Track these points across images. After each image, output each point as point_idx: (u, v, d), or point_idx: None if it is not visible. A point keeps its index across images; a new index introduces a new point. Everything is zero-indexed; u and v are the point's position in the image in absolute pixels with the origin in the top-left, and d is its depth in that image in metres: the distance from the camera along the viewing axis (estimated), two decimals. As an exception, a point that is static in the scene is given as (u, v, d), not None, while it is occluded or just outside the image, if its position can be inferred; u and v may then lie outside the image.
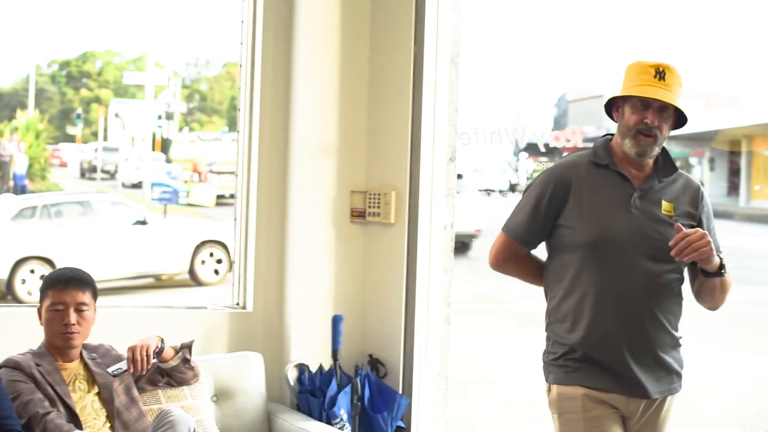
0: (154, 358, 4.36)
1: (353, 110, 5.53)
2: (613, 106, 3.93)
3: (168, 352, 4.49)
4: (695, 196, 3.93)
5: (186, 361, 4.56)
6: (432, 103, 5.49)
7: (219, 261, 14.66)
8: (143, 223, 14.60)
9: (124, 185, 22.73)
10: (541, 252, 4.03)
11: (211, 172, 21.99)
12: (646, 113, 3.79)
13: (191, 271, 14.50)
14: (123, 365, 4.31)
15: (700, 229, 3.71)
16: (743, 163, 19.88)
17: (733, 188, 20.15)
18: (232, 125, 25.56)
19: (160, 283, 14.44)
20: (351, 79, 5.51)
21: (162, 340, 4.45)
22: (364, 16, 5.53)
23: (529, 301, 11.50)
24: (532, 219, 3.93)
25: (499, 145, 6.38)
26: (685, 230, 3.65)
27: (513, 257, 4.02)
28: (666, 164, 3.93)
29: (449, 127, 5.65)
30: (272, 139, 5.47)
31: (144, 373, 4.37)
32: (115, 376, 4.35)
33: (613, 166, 3.88)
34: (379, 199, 5.49)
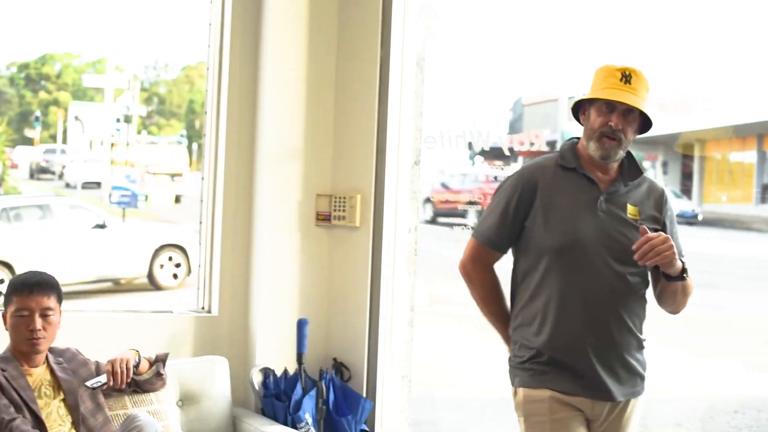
0: (133, 371, 4.35)
1: (319, 114, 5.53)
2: (579, 110, 3.95)
3: (143, 366, 4.48)
4: (659, 200, 3.96)
5: (159, 373, 4.55)
6: (398, 107, 5.50)
7: (178, 265, 14.56)
8: (102, 226, 14.49)
9: (84, 187, 22.57)
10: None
11: (147, 173, 21.89)
12: (611, 116, 3.81)
13: (150, 275, 14.42)
14: (102, 378, 4.29)
15: (663, 233, 3.75)
16: (696, 166, 20.05)
17: (686, 192, 20.31)
18: (191, 128, 25.45)
19: (118, 287, 14.32)
20: (317, 83, 5.51)
21: (138, 354, 4.43)
22: (331, 20, 5.53)
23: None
24: (501, 222, 3.93)
25: (457, 148, 6.38)
26: (649, 234, 3.68)
27: (482, 265, 4.01)
28: (631, 168, 3.96)
29: (414, 130, 5.66)
30: (238, 143, 5.46)
31: (123, 386, 4.35)
32: (94, 389, 4.33)
33: (580, 169, 3.90)
34: (344, 202, 5.49)
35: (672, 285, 3.85)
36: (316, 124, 5.52)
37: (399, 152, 5.53)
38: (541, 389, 3.84)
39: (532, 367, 3.87)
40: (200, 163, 5.66)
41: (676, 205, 16.90)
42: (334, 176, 5.57)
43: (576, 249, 3.80)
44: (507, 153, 6.85)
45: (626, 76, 3.83)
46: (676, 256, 3.73)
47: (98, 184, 21.23)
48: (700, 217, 17.53)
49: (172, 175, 21.57)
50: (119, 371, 4.28)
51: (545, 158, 4.02)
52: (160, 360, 4.57)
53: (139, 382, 4.51)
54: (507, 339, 4.00)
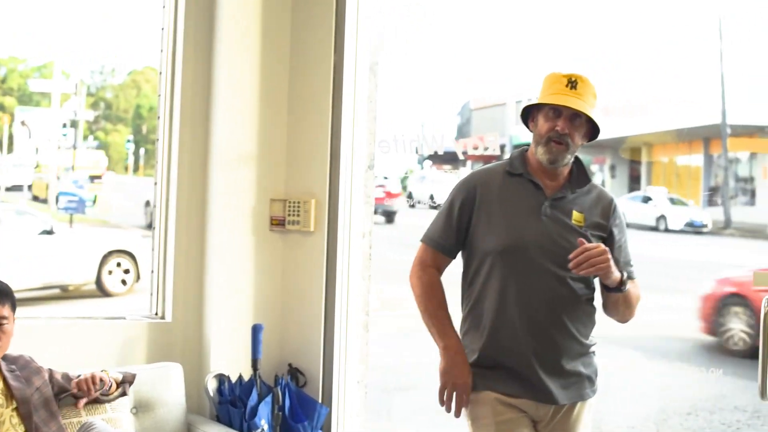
0: (98, 390, 4.34)
1: (273, 118, 5.51)
2: (528, 116, 4.00)
3: (112, 389, 4.47)
4: (607, 208, 3.99)
5: (124, 393, 4.53)
6: (351, 112, 5.50)
7: (126, 271, 14.45)
8: (50, 232, 14.35)
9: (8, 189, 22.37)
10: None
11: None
12: (558, 121, 3.87)
13: (98, 282, 14.28)
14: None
15: (602, 244, 3.77)
16: (643, 170, 20.19)
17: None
18: (138, 133, 25.28)
19: (66, 293, 14.19)
20: (271, 87, 5.49)
21: (108, 375, 4.44)
22: (285, 24, 5.52)
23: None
24: (448, 225, 3.99)
25: (404, 153, 6.40)
26: (587, 244, 3.71)
27: (432, 268, 4.03)
28: (580, 175, 4.00)
29: (368, 135, 5.66)
30: (192, 147, 5.43)
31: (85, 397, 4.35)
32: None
33: (527, 175, 3.95)
34: (298, 207, 5.48)
35: (613, 295, 3.91)
36: (270, 128, 5.51)
37: (353, 156, 5.53)
38: (486, 392, 3.90)
39: (476, 371, 3.93)
40: (150, 168, 5.61)
41: (685, 213, 16.97)
42: (288, 181, 5.55)
43: (518, 252, 3.84)
44: (461, 157, 6.87)
45: (572, 82, 3.89)
46: (612, 268, 3.76)
47: (20, 188, 21.13)
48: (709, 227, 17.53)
49: (92, 178, 21.54)
50: (87, 389, 4.28)
51: (494, 165, 4.07)
52: (127, 381, 4.55)
53: (101, 399, 4.49)
54: (442, 337, 3.96)
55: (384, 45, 5.85)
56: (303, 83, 5.53)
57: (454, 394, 3.90)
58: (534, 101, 3.94)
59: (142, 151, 23.93)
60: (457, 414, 3.92)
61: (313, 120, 5.51)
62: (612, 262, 3.75)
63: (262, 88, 5.47)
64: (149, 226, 5.55)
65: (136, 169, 23.07)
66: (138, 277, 13.86)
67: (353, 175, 5.53)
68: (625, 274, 3.85)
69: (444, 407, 3.93)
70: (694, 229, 16.92)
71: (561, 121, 3.86)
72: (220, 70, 5.38)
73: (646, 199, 16.38)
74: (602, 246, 3.74)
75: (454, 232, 3.98)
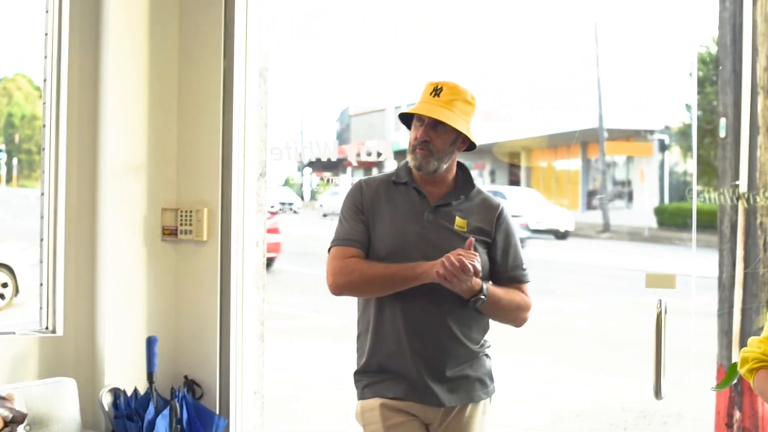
0: None
1: (163, 125, 5.41)
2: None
3: None
4: (492, 213, 4.02)
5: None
6: (242, 118, 5.44)
7: (4, 285, 14.10)
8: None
9: None
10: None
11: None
12: (419, 129, 3.91)
13: (-26, 296, 13.93)
14: None
15: (463, 260, 3.73)
16: (523, 175, 20.49)
17: (515, 198, 20.76)
18: (10, 142, 24.75)
19: (-60, 309, 13.82)
20: (160, 94, 5.40)
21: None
22: (173, 29, 5.43)
23: (322, 316, 11.54)
24: (353, 223, 3.96)
25: (287, 160, 6.35)
26: (452, 260, 3.69)
27: (357, 266, 3.96)
28: (465, 182, 4.04)
29: (259, 142, 5.61)
30: (80, 156, 5.29)
31: None
32: None
33: (411, 183, 3.99)
34: (190, 216, 5.39)
35: (483, 306, 3.89)
36: (160, 135, 5.41)
37: (245, 164, 5.47)
38: (373, 398, 3.91)
39: (365, 378, 3.96)
40: (24, 179, 5.44)
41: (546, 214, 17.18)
42: (179, 189, 5.46)
43: (400, 257, 3.85)
44: (355, 163, 6.85)
45: (437, 90, 3.95)
46: (465, 284, 3.74)
47: None
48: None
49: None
50: None
51: (382, 174, 4.11)
52: (17, 421, 4.43)
53: None
54: (408, 271, 3.85)
55: (272, 51, 5.81)
56: (193, 89, 5.45)
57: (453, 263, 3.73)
58: (403, 111, 3.99)
59: (15, 161, 23.43)
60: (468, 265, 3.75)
61: (203, 127, 5.43)
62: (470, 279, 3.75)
63: (151, 94, 5.37)
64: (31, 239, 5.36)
65: (9, 179, 22.59)
66: (17, 291, 13.52)
67: (246, 183, 5.47)
68: (485, 286, 3.85)
69: (460, 269, 3.71)
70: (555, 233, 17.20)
71: (421, 130, 3.92)
72: (107, 76, 5.26)
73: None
74: (467, 264, 3.71)
75: (358, 228, 3.95)
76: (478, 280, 3.81)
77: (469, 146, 4.02)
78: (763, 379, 3.52)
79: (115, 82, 5.26)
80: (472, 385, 3.95)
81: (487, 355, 4.03)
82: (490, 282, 3.97)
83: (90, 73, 5.30)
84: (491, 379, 4.04)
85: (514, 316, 3.99)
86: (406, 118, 4.04)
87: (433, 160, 3.91)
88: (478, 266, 3.74)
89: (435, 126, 3.91)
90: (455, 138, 3.94)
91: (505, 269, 3.99)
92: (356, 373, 4.01)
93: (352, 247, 3.94)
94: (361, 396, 3.97)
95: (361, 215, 3.96)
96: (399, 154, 6.54)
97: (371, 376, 3.93)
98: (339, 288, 3.90)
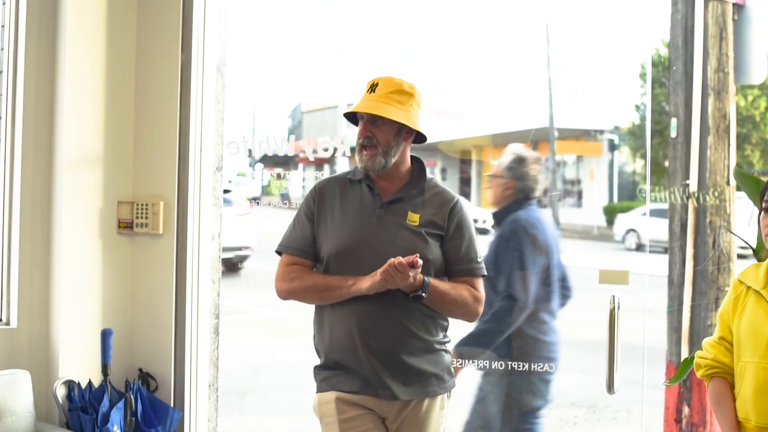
0: None
1: (119, 119, 5.40)
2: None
3: None
4: (446, 206, 4.07)
5: None
6: (199, 112, 5.44)
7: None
8: None
9: None
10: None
11: None
12: (360, 127, 3.96)
13: None
14: None
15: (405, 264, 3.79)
16: (473, 172, 20.50)
17: (464, 197, 20.72)
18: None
19: None
20: (117, 86, 5.39)
21: None
22: (131, 23, 5.42)
23: (272, 311, 11.51)
24: (301, 230, 4.06)
25: (237, 155, 6.37)
26: (396, 262, 3.76)
27: (297, 274, 4.03)
28: (419, 177, 4.07)
29: (216, 136, 5.62)
30: (36, 148, 5.26)
31: None
32: None
33: (365, 180, 4.05)
34: (146, 209, 5.39)
35: (428, 301, 3.94)
36: (116, 129, 5.40)
37: (201, 158, 5.47)
38: (329, 392, 3.98)
39: (321, 372, 4.04)
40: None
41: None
42: (135, 182, 5.46)
43: (350, 254, 3.94)
44: (312, 158, 6.87)
45: (373, 87, 4.01)
46: (404, 281, 3.82)
47: None
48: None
49: None
50: None
51: (340, 173, 4.19)
52: None
53: None
54: (349, 284, 3.94)
55: (230, 45, 5.82)
56: (150, 82, 5.45)
57: (392, 273, 3.82)
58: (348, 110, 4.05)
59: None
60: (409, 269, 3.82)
61: (160, 120, 5.44)
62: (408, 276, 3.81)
63: (108, 87, 5.36)
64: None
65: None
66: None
67: (202, 177, 5.48)
68: (427, 281, 3.90)
69: (402, 274, 3.82)
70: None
71: (361, 127, 3.99)
72: (63, 69, 5.23)
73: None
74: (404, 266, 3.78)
75: (308, 235, 4.04)
76: (420, 276, 3.85)
77: (419, 137, 4.06)
78: (714, 390, 3.59)
79: (71, 74, 5.24)
80: (428, 380, 4.00)
81: (446, 351, 4.08)
82: (445, 278, 4.03)
83: (47, 66, 5.27)
84: (450, 374, 4.09)
85: (463, 310, 4.04)
86: (353, 119, 4.08)
87: (380, 157, 3.97)
88: (415, 268, 3.79)
89: (374, 121, 3.96)
90: (398, 130, 3.99)
91: (458, 262, 4.04)
92: (316, 367, 4.08)
93: (296, 255, 4.04)
94: (319, 389, 4.04)
95: (309, 221, 4.05)
96: (354, 151, 6.59)
97: (328, 371, 3.99)
98: (282, 293, 4.06)
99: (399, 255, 3.81)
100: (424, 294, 3.88)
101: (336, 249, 3.96)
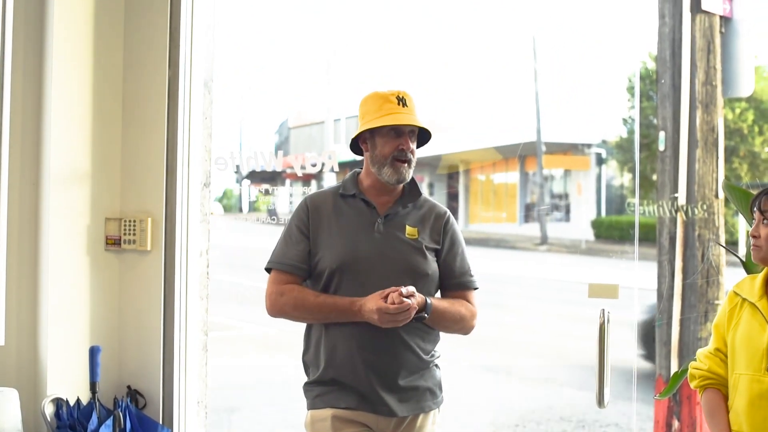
0: None
1: (107, 135, 5.38)
2: (359, 140, 4.05)
3: None
4: (440, 221, 4.07)
5: None
6: (186, 128, 5.43)
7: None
8: None
9: None
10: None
11: None
12: (400, 140, 3.95)
13: None
14: None
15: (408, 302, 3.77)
16: (461, 187, 20.54)
17: (452, 212, 20.75)
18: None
19: None
20: (104, 103, 5.37)
21: None
22: (118, 38, 5.41)
23: (259, 327, 11.49)
24: (294, 245, 4.00)
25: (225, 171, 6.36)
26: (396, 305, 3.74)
27: (288, 286, 4.00)
28: (412, 190, 4.08)
29: (204, 152, 5.60)
30: (23, 165, 5.23)
31: None
32: None
33: (359, 194, 4.03)
34: (134, 226, 5.37)
35: (429, 320, 3.94)
36: (104, 145, 5.38)
37: (189, 174, 5.46)
38: (325, 409, 3.92)
39: (315, 389, 3.98)
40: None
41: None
42: (123, 199, 5.44)
43: (352, 268, 3.90)
44: (300, 174, 6.85)
45: (401, 100, 3.99)
46: (406, 320, 3.79)
47: None
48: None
49: None
50: None
51: (328, 188, 4.15)
52: None
53: None
54: (344, 305, 3.90)
55: (217, 61, 5.81)
56: (137, 98, 5.43)
57: (392, 312, 3.78)
58: (375, 124, 3.97)
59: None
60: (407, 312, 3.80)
61: (148, 136, 5.41)
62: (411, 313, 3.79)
63: (95, 102, 5.34)
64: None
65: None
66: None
67: (189, 193, 5.46)
68: (429, 302, 3.89)
69: (403, 313, 3.79)
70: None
71: (404, 140, 3.96)
72: (50, 84, 5.21)
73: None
74: (407, 304, 3.76)
75: (301, 251, 3.99)
76: (422, 297, 3.85)
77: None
78: (708, 401, 3.59)
79: (58, 90, 5.21)
80: (423, 395, 3.99)
81: (437, 366, 4.07)
82: (438, 294, 4.03)
83: (33, 81, 5.25)
84: (440, 389, 4.09)
85: (461, 326, 4.04)
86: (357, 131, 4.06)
87: (411, 170, 4.00)
88: (413, 300, 3.77)
89: (410, 135, 3.97)
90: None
91: (453, 276, 4.04)
92: (307, 384, 4.02)
93: (289, 273, 3.99)
94: (312, 406, 3.98)
95: (304, 236, 3.99)
96: (343, 166, 6.55)
97: (323, 386, 3.94)
98: (274, 312, 4.00)
99: (402, 269, 3.85)
100: (426, 315, 3.88)
101: (338, 262, 3.92)
